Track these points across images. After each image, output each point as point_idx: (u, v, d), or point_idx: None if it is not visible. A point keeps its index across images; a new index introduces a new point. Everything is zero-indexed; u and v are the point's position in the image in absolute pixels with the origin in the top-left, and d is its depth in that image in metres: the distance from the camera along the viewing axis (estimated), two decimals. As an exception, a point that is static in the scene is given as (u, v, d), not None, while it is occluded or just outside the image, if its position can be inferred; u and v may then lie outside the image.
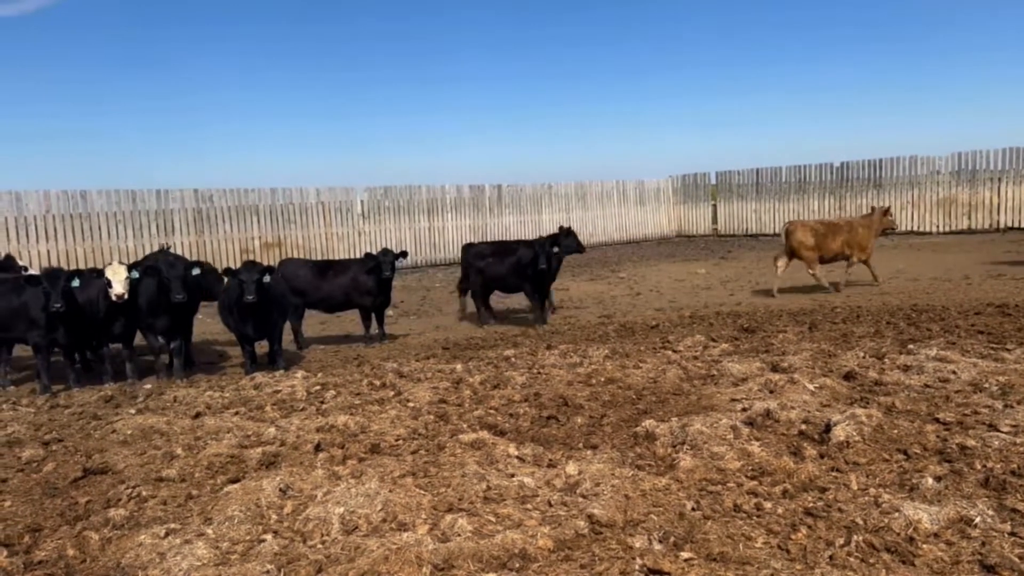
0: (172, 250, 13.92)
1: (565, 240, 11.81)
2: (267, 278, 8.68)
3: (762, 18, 75.15)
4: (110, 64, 64.80)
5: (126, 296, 8.31)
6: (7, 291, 8.44)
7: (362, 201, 22.27)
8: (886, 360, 7.25)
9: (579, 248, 12.20)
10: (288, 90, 73.85)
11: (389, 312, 12.15)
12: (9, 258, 11.46)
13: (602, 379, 7.13)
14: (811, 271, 13.44)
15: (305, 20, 71.44)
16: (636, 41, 79.03)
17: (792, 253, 13.46)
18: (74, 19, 64.32)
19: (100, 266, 13.94)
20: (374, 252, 10.78)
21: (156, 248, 17.39)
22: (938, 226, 23.99)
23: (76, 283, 8.26)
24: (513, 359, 8.52)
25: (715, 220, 29.32)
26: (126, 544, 4.03)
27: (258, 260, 11.34)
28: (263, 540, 3.99)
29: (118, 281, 8.27)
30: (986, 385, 6.17)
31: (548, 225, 26.06)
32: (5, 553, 4.08)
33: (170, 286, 8.45)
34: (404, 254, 11.09)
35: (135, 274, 8.44)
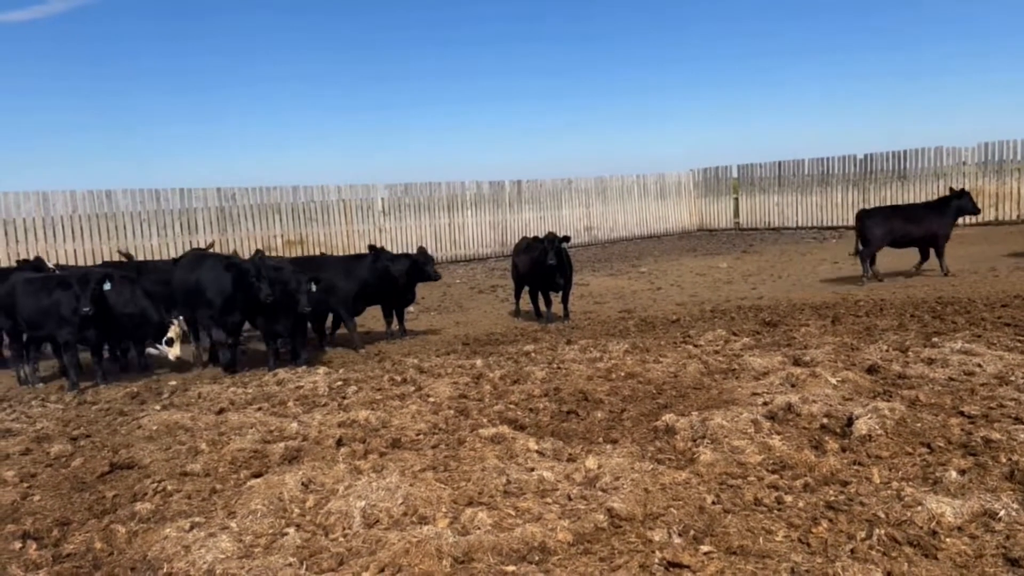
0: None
1: (959, 201, 13.45)
2: (313, 286, 8.81)
3: (782, 9, 74.36)
4: (129, 64, 65.44)
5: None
6: (37, 290, 8.60)
7: (383, 198, 22.36)
8: (910, 353, 7.17)
9: (974, 209, 13.84)
10: (307, 87, 74.23)
11: (410, 309, 12.21)
12: (39, 260, 11.65)
13: (622, 374, 7.12)
14: None
15: (324, 17, 71.74)
16: (654, 33, 78.53)
17: None
18: (93, 20, 65.04)
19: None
20: (390, 249, 10.89)
21: (186, 246, 17.66)
22: (964, 218, 23.56)
23: (107, 286, 8.39)
24: (533, 354, 8.53)
25: (737, 214, 29.06)
26: (152, 537, 4.10)
27: (280, 258, 11.49)
28: (286, 533, 4.04)
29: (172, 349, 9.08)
30: (1012, 378, 6.08)
31: (568, 220, 26.04)
32: (35, 546, 4.17)
33: (259, 288, 8.53)
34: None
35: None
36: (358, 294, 10.47)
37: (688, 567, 3.43)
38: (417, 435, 5.71)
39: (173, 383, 8.53)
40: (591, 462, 4.78)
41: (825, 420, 5.33)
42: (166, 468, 5.34)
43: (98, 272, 8.71)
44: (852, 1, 73.08)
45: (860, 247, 13.78)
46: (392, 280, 10.48)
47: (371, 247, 10.73)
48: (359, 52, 73.97)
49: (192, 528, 4.16)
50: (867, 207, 16.13)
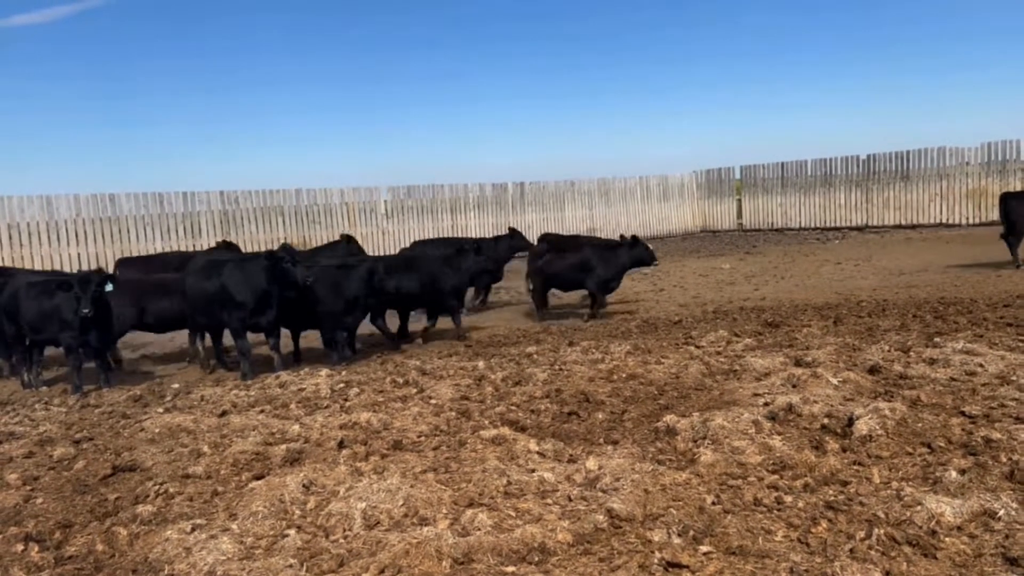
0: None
1: None
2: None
3: (785, 9, 74.37)
4: (131, 67, 65.59)
5: None
6: (39, 294, 8.63)
7: (385, 201, 22.41)
8: (912, 353, 7.16)
9: None
10: (308, 89, 74.38)
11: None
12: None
13: (623, 375, 7.13)
14: None
15: (324, 18, 71.90)
16: (657, 34, 78.54)
17: None
18: (96, 24, 65.27)
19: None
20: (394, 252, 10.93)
21: (189, 249, 17.68)
22: (968, 218, 23.60)
23: (109, 287, 8.40)
24: (535, 356, 8.54)
25: (740, 215, 29.07)
26: (153, 539, 4.12)
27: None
28: (286, 535, 4.05)
29: None
30: (1013, 378, 6.07)
31: (571, 222, 26.06)
32: (37, 548, 4.19)
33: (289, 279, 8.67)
34: None
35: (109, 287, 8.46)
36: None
37: (687, 567, 3.43)
38: (418, 437, 5.72)
39: (176, 386, 8.55)
40: (592, 463, 4.79)
41: (826, 420, 5.32)
42: (168, 470, 5.35)
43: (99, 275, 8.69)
44: (855, 1, 73.05)
45: (1005, 231, 13.80)
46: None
47: (475, 240, 10.90)
48: (359, 54, 74.13)
49: (193, 530, 4.17)
50: (1010, 190, 16.10)
